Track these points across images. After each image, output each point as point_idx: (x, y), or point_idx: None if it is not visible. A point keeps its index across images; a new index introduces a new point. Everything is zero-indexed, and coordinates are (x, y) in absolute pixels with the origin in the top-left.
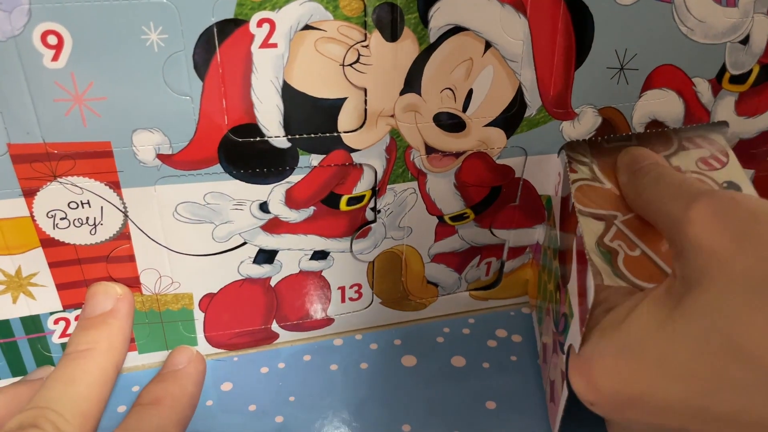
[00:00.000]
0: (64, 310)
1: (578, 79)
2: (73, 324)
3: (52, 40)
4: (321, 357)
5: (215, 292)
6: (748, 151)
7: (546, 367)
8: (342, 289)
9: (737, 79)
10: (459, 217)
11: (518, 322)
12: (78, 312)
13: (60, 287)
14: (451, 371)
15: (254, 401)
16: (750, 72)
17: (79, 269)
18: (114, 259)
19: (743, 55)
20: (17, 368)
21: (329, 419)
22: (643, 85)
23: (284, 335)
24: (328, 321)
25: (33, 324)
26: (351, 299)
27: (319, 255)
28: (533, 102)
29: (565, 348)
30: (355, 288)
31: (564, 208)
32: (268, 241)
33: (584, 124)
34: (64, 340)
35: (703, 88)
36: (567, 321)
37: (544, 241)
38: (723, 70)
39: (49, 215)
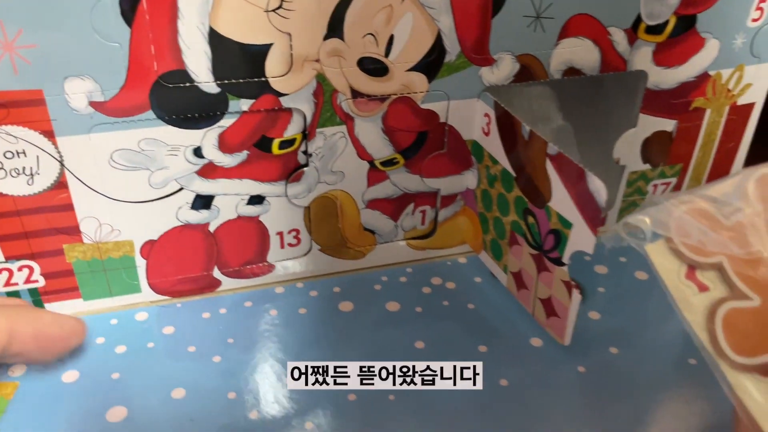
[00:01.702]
0: (6, 261)
1: (495, 27)
2: (16, 274)
3: None
4: (261, 303)
5: (155, 238)
6: (668, 101)
7: (528, 291)
8: (280, 234)
9: (654, 30)
10: (389, 163)
11: (454, 270)
12: (21, 263)
13: (1, 239)
14: (386, 315)
15: (194, 343)
16: (666, 23)
17: (18, 221)
18: (53, 208)
19: (659, 6)
20: None
21: (265, 359)
22: (559, 33)
23: (227, 283)
24: (268, 268)
25: None
26: (290, 245)
27: (256, 200)
28: (452, 48)
29: (568, 257)
30: (294, 233)
31: (507, 132)
32: (205, 187)
33: (503, 70)
34: (8, 289)
35: (618, 37)
36: (561, 234)
37: (479, 185)
38: (638, 20)
39: None
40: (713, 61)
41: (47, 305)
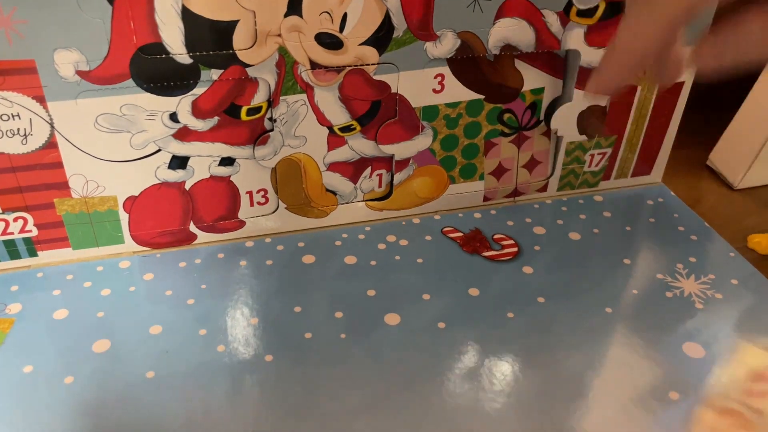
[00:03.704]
0: (3, 212)
1: (437, 7)
2: (12, 225)
3: None
4: (233, 255)
5: (137, 194)
6: None
7: (510, 171)
8: (250, 193)
9: (585, 13)
10: (347, 129)
11: (407, 229)
12: (16, 214)
13: None
14: (343, 267)
15: (171, 288)
16: (597, 7)
17: (14, 176)
18: (44, 166)
19: None
20: None
21: (234, 302)
22: (496, 13)
23: (202, 236)
24: (240, 224)
25: None
26: (259, 203)
27: (226, 161)
28: (400, 25)
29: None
30: (262, 193)
31: (467, 72)
32: (180, 148)
33: (445, 45)
34: (6, 237)
35: (551, 19)
36: (535, 103)
37: (434, 140)
38: (570, 4)
39: None
40: None
41: (40, 253)
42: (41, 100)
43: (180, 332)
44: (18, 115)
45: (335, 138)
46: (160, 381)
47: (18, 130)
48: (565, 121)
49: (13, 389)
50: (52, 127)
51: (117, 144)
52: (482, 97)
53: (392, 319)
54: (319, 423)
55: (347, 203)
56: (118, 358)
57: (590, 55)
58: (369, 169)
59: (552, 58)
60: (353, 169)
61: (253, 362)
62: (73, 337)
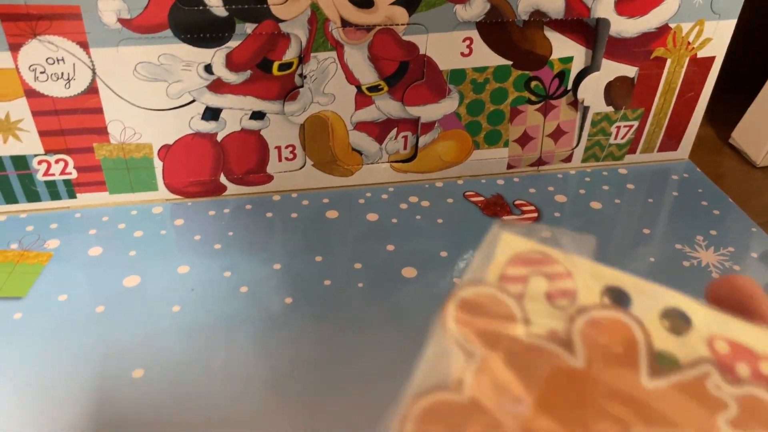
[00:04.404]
0: (45, 154)
1: None
2: (53, 166)
3: None
4: (260, 207)
5: (171, 143)
6: (630, 49)
7: (535, 140)
8: (278, 148)
9: None
10: (374, 88)
11: (430, 192)
12: (57, 156)
13: (41, 134)
14: (364, 223)
15: (200, 233)
16: None
17: (57, 119)
18: (85, 110)
19: None
20: (10, 198)
21: (258, 249)
22: None
23: (231, 188)
24: (268, 178)
25: (21, 162)
26: (287, 159)
27: (257, 115)
28: None
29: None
30: (290, 149)
31: (497, 37)
32: (214, 100)
33: (475, 8)
34: (48, 178)
35: None
36: (564, 72)
37: (461, 104)
38: None
39: (31, 68)
40: (674, 14)
41: (78, 196)
42: (84, 45)
43: (206, 273)
44: (62, 60)
45: (363, 97)
46: (185, 314)
47: (62, 74)
48: (592, 91)
49: (49, 314)
50: (94, 72)
51: (154, 93)
52: (510, 63)
53: (409, 272)
54: (332, 355)
55: (372, 163)
56: (146, 292)
57: (620, 25)
58: (395, 131)
59: (581, 27)
60: (379, 130)
61: (273, 302)
62: (105, 272)
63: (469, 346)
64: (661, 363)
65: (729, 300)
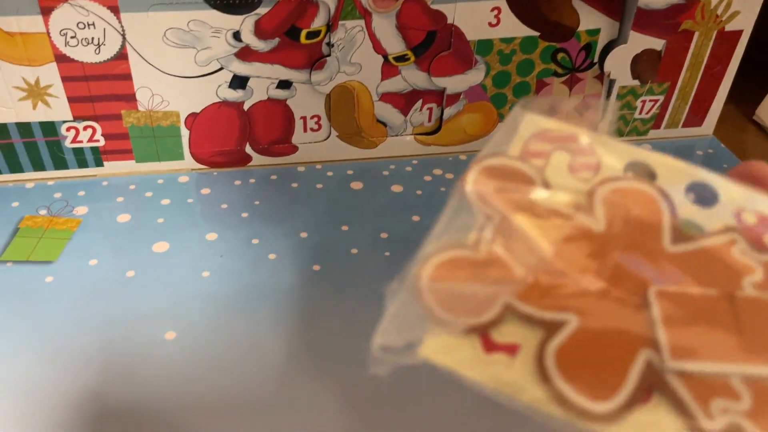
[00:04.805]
0: (74, 120)
1: None
2: (81, 133)
3: None
4: (285, 177)
5: (198, 112)
6: (660, 22)
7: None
8: (304, 119)
9: None
10: (401, 58)
11: (454, 164)
12: (86, 123)
13: (70, 100)
14: (389, 194)
15: (226, 202)
16: None
17: (86, 85)
18: (114, 76)
19: None
20: (38, 164)
21: (285, 217)
22: None
23: (256, 159)
24: (293, 148)
25: (49, 129)
26: (312, 129)
27: (284, 84)
28: None
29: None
30: (315, 119)
31: (525, 8)
32: (241, 68)
33: None
34: (75, 145)
35: None
36: (590, 44)
37: (487, 75)
38: None
39: (62, 33)
40: None
41: (105, 164)
42: (115, 10)
43: (234, 240)
44: (93, 24)
45: (389, 67)
46: (214, 280)
47: (92, 39)
48: (619, 64)
49: (80, 278)
50: (124, 38)
51: (182, 59)
52: (537, 34)
53: None
54: (357, 327)
55: (396, 135)
56: (176, 258)
57: None
58: (420, 102)
59: None
60: (405, 101)
61: (301, 269)
62: (134, 238)
63: (488, 209)
64: (687, 229)
65: (748, 182)
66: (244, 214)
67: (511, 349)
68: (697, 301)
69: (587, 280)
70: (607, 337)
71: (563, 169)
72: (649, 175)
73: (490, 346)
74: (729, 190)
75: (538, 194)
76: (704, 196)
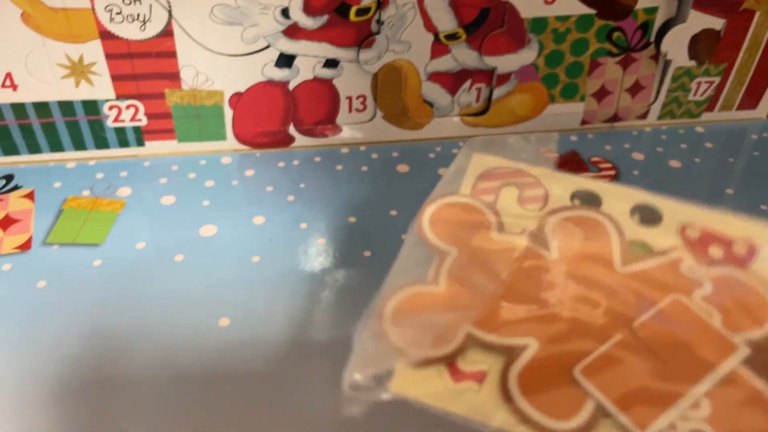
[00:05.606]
0: (117, 99)
1: None
2: (124, 112)
3: None
4: (329, 159)
5: (242, 91)
6: (719, 0)
7: (612, 94)
8: (349, 99)
9: None
10: (452, 37)
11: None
12: (128, 102)
13: (114, 78)
14: (438, 177)
15: (271, 184)
16: None
17: (130, 63)
18: (159, 54)
19: None
20: (79, 144)
21: (331, 201)
22: None
23: (300, 140)
24: (337, 129)
25: (92, 107)
26: (357, 110)
27: (331, 63)
28: None
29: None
30: (361, 99)
31: None
32: (288, 46)
33: None
34: (117, 125)
35: None
36: (647, 23)
37: (539, 54)
38: None
39: (107, 9)
40: None
41: (147, 143)
42: None
43: (282, 224)
44: (139, 0)
45: (439, 46)
46: (265, 264)
47: (138, 15)
48: (676, 44)
49: (128, 262)
50: (170, 14)
51: (229, 37)
52: (594, 12)
53: None
54: None
55: (443, 116)
56: (224, 242)
57: None
58: (469, 82)
59: None
60: (453, 81)
61: (352, 255)
62: (181, 220)
63: (443, 245)
64: (635, 250)
65: None
66: (290, 197)
67: (479, 377)
68: (613, 359)
69: (544, 306)
70: (567, 358)
71: (513, 203)
72: (594, 201)
73: (458, 376)
74: (670, 208)
75: (491, 228)
76: (648, 217)
